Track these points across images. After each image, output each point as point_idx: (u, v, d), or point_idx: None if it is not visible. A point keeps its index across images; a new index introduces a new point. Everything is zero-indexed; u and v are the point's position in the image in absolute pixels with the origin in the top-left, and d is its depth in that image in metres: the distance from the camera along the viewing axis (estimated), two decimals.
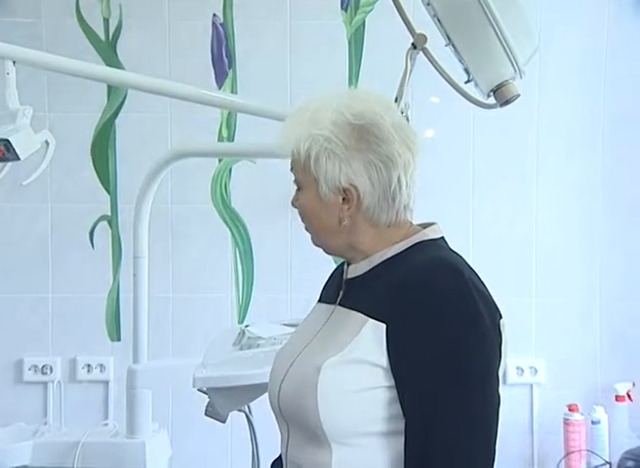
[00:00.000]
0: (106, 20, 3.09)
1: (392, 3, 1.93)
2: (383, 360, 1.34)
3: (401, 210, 1.45)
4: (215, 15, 3.07)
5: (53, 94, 2.99)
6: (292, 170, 1.49)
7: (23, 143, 2.17)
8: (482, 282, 1.43)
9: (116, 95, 3.07)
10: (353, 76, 3.06)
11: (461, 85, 1.92)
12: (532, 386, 3.10)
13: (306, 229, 1.50)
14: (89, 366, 3.10)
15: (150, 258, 2.52)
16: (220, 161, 3.07)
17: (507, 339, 1.44)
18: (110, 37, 3.09)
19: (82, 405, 3.09)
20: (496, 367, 1.39)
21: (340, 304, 1.48)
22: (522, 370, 3.09)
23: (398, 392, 1.34)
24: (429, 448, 1.32)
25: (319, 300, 1.60)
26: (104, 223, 3.11)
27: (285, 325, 2.27)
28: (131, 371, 2.51)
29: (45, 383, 3.12)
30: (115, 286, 3.11)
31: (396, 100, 1.92)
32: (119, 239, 3.10)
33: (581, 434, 2.94)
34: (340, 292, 1.50)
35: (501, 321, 1.42)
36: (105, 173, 3.11)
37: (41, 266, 3.11)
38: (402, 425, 1.34)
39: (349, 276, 1.50)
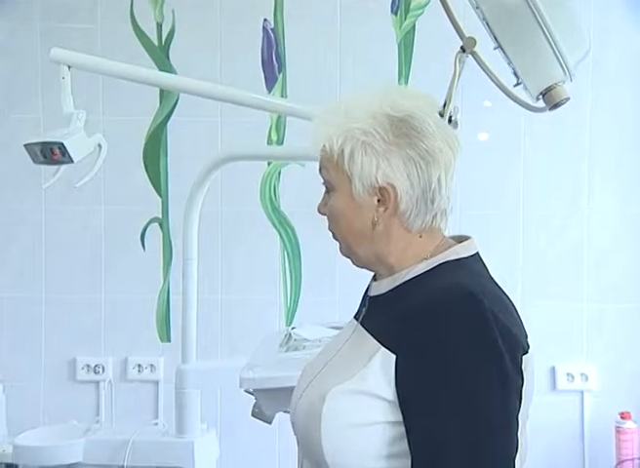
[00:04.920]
0: (159, 26, 3.13)
1: (442, 7, 1.93)
2: (390, 393, 1.24)
3: (438, 215, 1.34)
4: (265, 19, 3.09)
5: (106, 98, 3.04)
6: (320, 171, 1.38)
7: (77, 147, 2.21)
8: (509, 310, 1.30)
9: (168, 99, 3.10)
10: (403, 79, 3.05)
11: (510, 88, 1.91)
12: (582, 393, 3.06)
13: (334, 237, 1.41)
14: (139, 366, 3.14)
15: (200, 260, 2.54)
16: (269, 164, 3.08)
17: (532, 376, 1.31)
18: (163, 42, 3.13)
19: (133, 404, 3.13)
20: (511, 409, 1.24)
21: (361, 323, 1.39)
22: (572, 377, 3.05)
23: (405, 427, 1.23)
24: None
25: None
26: (155, 225, 3.14)
27: (331, 327, 2.28)
28: (180, 372, 2.53)
29: (97, 382, 3.16)
30: (165, 287, 3.14)
31: (445, 104, 1.91)
32: (170, 241, 3.13)
33: (634, 442, 2.89)
34: (364, 309, 1.41)
35: (525, 356, 1.27)
36: (157, 175, 3.14)
37: (94, 267, 3.15)
38: (405, 464, 1.23)
39: (372, 294, 1.40)
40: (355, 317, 1.44)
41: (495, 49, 1.87)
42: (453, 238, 1.40)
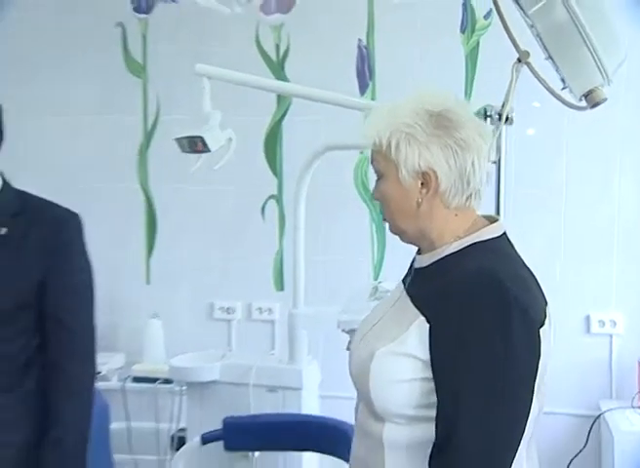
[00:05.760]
0: (277, 46, 3.11)
1: (502, 26, 1.85)
2: (424, 354, 1.18)
3: (472, 195, 1.24)
4: (359, 39, 3.03)
5: (236, 101, 3.01)
6: (372, 162, 1.29)
7: (214, 139, 2.22)
8: (529, 289, 1.21)
9: (283, 102, 3.09)
10: (468, 86, 2.97)
11: (558, 91, 1.82)
12: (611, 336, 2.94)
13: (384, 219, 1.32)
14: (260, 309, 3.16)
15: (306, 229, 2.54)
16: (361, 153, 3.04)
17: (549, 344, 1.22)
18: (280, 58, 3.11)
19: (256, 338, 3.15)
20: (524, 375, 1.17)
21: (406, 290, 1.31)
22: (603, 323, 2.94)
23: (435, 382, 1.18)
24: (453, 434, 1.15)
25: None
26: (273, 201, 3.14)
27: None
28: (291, 315, 2.54)
29: (229, 321, 3.19)
30: (280, 249, 3.14)
31: (503, 104, 1.84)
32: (283, 213, 3.12)
33: None
34: (409, 277, 1.33)
35: (542, 329, 1.19)
36: (274, 161, 3.13)
37: (227, 233, 3.16)
38: (434, 413, 1.18)
39: (416, 266, 1.31)
40: (403, 280, 1.36)
41: (546, 59, 1.79)
42: (484, 217, 1.30)
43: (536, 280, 1.26)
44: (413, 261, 1.35)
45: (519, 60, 1.81)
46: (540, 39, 1.76)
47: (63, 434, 1.57)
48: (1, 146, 1.62)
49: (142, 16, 3.17)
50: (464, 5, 2.98)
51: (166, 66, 3.15)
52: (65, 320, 1.59)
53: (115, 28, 3.17)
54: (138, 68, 3.20)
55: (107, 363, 3.01)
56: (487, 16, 2.94)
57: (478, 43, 2.98)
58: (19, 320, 1.57)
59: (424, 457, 1.18)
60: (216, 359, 2.60)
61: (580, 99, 1.79)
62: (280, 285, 3.15)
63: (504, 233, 1.28)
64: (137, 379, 2.99)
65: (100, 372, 2.89)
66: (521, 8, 1.76)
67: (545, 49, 1.76)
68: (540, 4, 1.71)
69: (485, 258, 1.22)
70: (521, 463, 1.20)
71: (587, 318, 2.96)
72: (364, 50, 3.04)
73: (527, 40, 1.85)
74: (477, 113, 2.83)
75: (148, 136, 3.21)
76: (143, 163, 3.22)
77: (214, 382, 2.53)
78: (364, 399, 1.27)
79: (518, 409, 1.17)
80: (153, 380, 2.96)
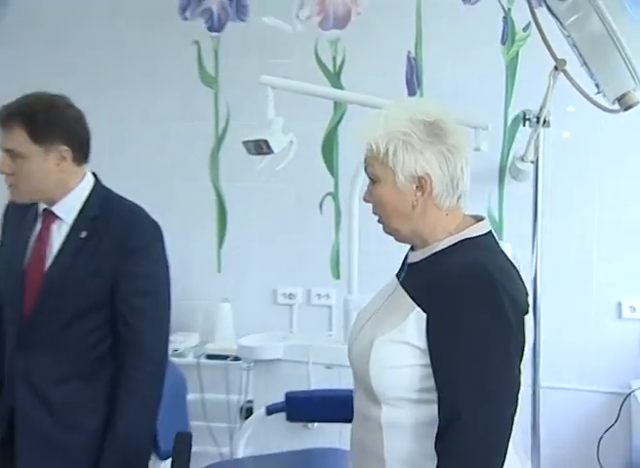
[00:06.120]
0: (334, 58, 3.10)
1: (540, 37, 1.82)
2: (421, 342, 1.17)
3: (461, 196, 1.23)
4: (409, 51, 3.00)
5: (297, 108, 3.02)
6: (366, 168, 1.25)
7: (276, 142, 2.24)
8: (513, 280, 1.21)
9: (339, 108, 3.07)
10: (508, 93, 2.91)
11: (592, 95, 1.78)
12: None
13: (379, 220, 1.28)
14: (319, 295, 3.15)
15: (360, 223, 2.53)
16: None
17: (529, 330, 1.21)
18: (337, 69, 3.11)
19: (314, 320, 3.14)
20: (511, 357, 1.16)
21: (401, 283, 1.28)
22: (634, 309, 2.85)
23: (433, 368, 1.17)
24: (455, 418, 1.13)
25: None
26: (329, 197, 3.13)
27: None
28: (346, 301, 2.55)
29: (291, 305, 3.19)
30: (336, 241, 3.13)
31: (541, 109, 1.81)
32: (339, 208, 3.12)
33: None
34: (403, 272, 1.30)
35: (526, 316, 1.20)
36: (331, 162, 3.12)
37: (289, 227, 3.16)
38: (431, 396, 1.17)
39: (410, 261, 1.29)
40: (397, 275, 1.33)
41: (581, 66, 1.76)
42: (471, 216, 1.28)
43: (518, 273, 1.26)
44: (405, 258, 1.34)
45: (556, 68, 1.79)
46: (576, 48, 1.73)
47: (123, 431, 1.50)
48: (90, 150, 1.65)
49: (215, 34, 3.22)
50: (505, 18, 2.92)
51: (235, 78, 3.18)
52: (134, 323, 1.53)
53: (191, 46, 3.22)
54: (210, 80, 3.24)
55: (184, 341, 3.06)
56: (526, 28, 2.88)
57: (518, 53, 2.92)
58: (90, 319, 1.53)
59: (425, 438, 1.18)
60: (279, 339, 2.62)
61: (614, 103, 1.75)
62: (336, 273, 3.15)
63: (490, 231, 1.27)
64: (209, 356, 3.03)
65: (177, 350, 2.96)
66: (558, 20, 1.73)
67: (581, 57, 1.73)
68: (576, 16, 1.67)
69: (474, 253, 1.21)
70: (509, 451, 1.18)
71: (619, 304, 2.88)
72: (412, 61, 3.01)
73: (563, 50, 1.81)
74: (516, 117, 2.82)
75: (219, 139, 3.26)
76: (215, 164, 3.27)
77: (277, 360, 2.54)
78: (363, 384, 1.25)
79: (512, 390, 1.17)
80: (224, 357, 2.99)
